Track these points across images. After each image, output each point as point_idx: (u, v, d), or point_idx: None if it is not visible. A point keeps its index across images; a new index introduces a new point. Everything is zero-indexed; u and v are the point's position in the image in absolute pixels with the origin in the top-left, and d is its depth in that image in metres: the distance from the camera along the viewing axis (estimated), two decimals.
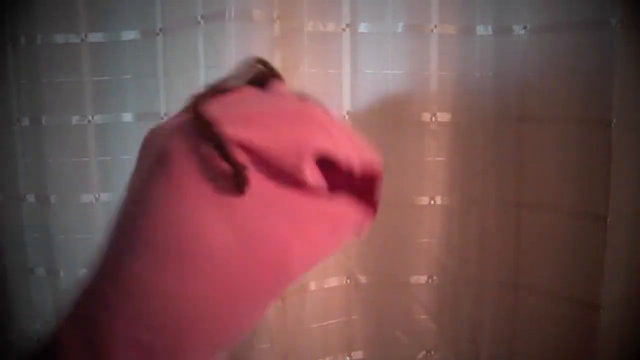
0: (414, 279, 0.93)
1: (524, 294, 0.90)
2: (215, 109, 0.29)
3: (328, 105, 0.97)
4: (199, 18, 0.80)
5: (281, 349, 0.87)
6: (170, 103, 0.87)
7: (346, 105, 0.89)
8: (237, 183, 0.27)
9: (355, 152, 0.31)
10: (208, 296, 0.27)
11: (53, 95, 0.90)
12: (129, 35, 0.88)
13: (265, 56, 0.82)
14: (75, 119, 0.90)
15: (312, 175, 0.29)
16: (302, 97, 0.33)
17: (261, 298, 0.29)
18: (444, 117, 0.89)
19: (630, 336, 0.82)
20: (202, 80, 0.81)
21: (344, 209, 0.31)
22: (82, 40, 0.88)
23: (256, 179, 0.27)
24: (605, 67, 0.77)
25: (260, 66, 0.35)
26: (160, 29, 0.86)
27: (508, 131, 0.88)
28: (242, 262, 0.28)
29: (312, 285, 0.91)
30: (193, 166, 0.27)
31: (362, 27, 0.87)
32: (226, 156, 0.27)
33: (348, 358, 0.95)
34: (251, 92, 0.33)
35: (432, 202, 0.91)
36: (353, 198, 0.32)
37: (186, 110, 0.30)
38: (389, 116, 0.89)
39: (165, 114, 0.88)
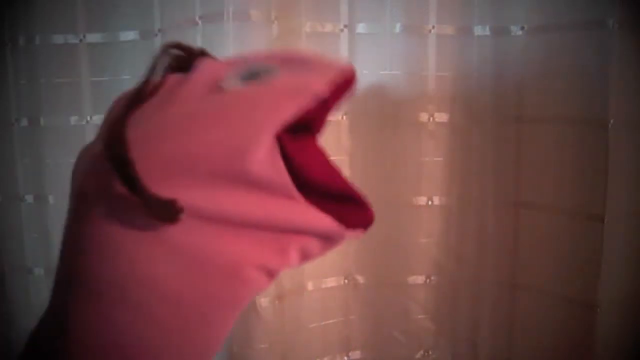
0: (411, 279, 0.93)
1: (521, 293, 0.90)
2: (129, 134, 0.25)
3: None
4: (197, 19, 0.80)
5: (280, 348, 0.87)
6: None
7: (344, 106, 0.89)
8: (165, 215, 0.24)
9: (322, 77, 0.27)
10: (157, 327, 0.26)
11: (52, 95, 0.90)
12: (128, 35, 0.88)
13: None
14: (73, 120, 0.90)
15: (265, 168, 0.25)
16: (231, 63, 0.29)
17: (220, 314, 0.27)
18: (441, 117, 0.89)
19: (627, 335, 0.83)
20: None
21: (313, 214, 0.27)
22: (81, 40, 0.88)
23: (190, 198, 0.24)
24: (603, 68, 0.78)
25: (177, 51, 0.31)
26: (159, 30, 0.86)
27: (506, 131, 0.88)
28: (188, 286, 0.25)
29: (310, 286, 0.91)
30: (111, 206, 0.25)
31: (360, 28, 0.87)
32: (145, 198, 0.24)
33: (346, 358, 0.95)
34: (170, 89, 0.28)
35: (430, 202, 0.91)
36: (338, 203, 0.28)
37: (102, 135, 0.27)
38: (386, 117, 0.89)
39: None
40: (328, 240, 0.28)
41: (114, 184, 0.24)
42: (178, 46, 0.31)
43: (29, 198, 0.93)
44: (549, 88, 0.84)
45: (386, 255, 0.92)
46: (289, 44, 0.83)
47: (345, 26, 0.87)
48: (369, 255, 0.92)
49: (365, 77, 0.88)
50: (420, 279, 0.93)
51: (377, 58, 0.88)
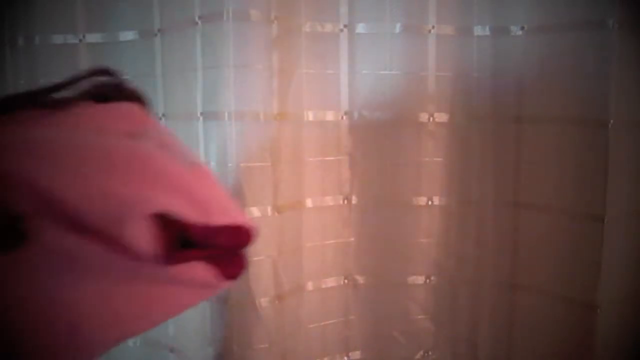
0: (411, 279, 0.93)
1: (521, 294, 0.90)
2: (15, 132, 0.22)
3: (325, 105, 0.96)
4: (197, 19, 0.80)
5: (279, 349, 0.87)
6: (169, 104, 0.87)
7: (344, 106, 0.89)
8: (7, 238, 0.21)
9: (217, 208, 0.26)
10: None
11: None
12: (127, 36, 0.88)
13: (263, 56, 0.83)
14: None
15: (140, 239, 0.23)
16: (149, 129, 0.26)
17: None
18: (441, 117, 0.89)
19: (627, 335, 0.83)
20: (200, 80, 0.81)
21: (180, 274, 0.26)
22: (80, 40, 0.88)
23: (47, 234, 0.22)
24: (603, 68, 0.78)
25: (106, 78, 0.28)
26: (159, 30, 0.86)
27: (506, 132, 0.88)
28: (15, 323, 0.23)
29: (310, 286, 0.91)
30: None
31: (360, 28, 0.87)
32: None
33: (346, 358, 0.95)
34: (80, 116, 0.26)
35: (429, 202, 0.91)
36: (205, 258, 0.26)
37: None
38: (386, 117, 0.89)
39: (163, 115, 0.89)
40: (204, 289, 0.27)
41: None
42: (112, 75, 0.29)
43: None
44: (549, 88, 0.84)
45: (386, 255, 0.92)
46: (288, 44, 0.83)
47: (345, 26, 0.87)
48: (369, 255, 0.92)
49: (364, 77, 0.88)
50: (420, 279, 0.93)
51: (376, 58, 0.88)
